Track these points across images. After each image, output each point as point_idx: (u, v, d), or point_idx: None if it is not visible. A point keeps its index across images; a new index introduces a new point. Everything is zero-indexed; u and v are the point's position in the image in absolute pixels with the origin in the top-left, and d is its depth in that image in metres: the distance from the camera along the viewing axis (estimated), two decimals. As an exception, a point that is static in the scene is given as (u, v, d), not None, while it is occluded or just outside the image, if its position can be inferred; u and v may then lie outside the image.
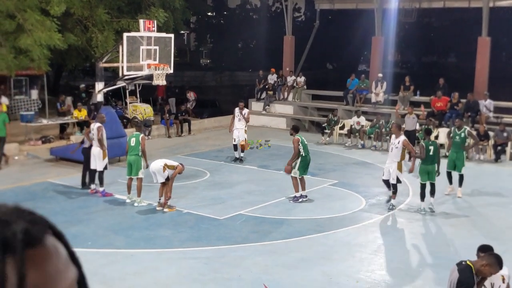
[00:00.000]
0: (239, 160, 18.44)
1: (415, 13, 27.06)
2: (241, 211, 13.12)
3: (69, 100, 24.71)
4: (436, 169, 13.35)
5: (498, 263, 5.85)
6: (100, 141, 14.28)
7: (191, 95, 28.57)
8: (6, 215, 0.87)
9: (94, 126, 14.53)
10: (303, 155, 13.89)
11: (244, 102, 19.46)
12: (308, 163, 14.08)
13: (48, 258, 0.87)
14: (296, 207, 13.64)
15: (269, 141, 18.48)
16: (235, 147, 18.54)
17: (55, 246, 0.90)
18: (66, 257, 0.92)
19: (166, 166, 12.88)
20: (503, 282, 6.22)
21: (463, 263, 5.98)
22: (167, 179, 12.95)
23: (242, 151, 18.55)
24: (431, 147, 13.26)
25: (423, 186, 13.31)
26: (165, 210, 13.03)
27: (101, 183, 14.34)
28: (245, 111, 18.70)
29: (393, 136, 13.85)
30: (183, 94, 29.71)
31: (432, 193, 13.37)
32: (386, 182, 13.85)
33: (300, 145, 13.84)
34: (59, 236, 0.93)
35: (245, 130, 18.54)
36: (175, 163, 13.08)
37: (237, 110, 18.58)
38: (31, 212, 0.91)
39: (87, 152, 14.77)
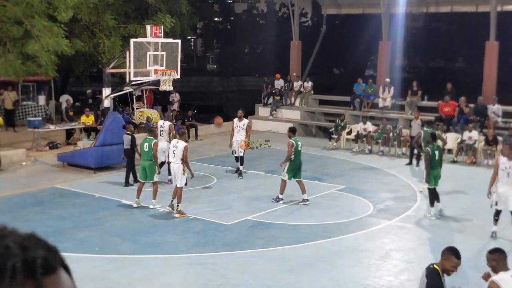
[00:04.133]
0: (239, 173, 17.16)
1: (422, 17, 27.03)
2: (247, 217, 13.09)
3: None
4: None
5: (452, 253, 5.97)
6: (174, 136, 15.05)
7: (176, 96, 27.10)
8: (25, 241, 0.92)
9: (165, 124, 16.38)
10: (292, 159, 13.97)
11: (243, 111, 18.01)
12: (297, 167, 14.12)
13: (60, 286, 0.93)
14: (303, 213, 13.58)
15: (269, 141, 18.47)
16: (236, 159, 17.39)
17: (65, 278, 0.95)
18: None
19: (183, 163, 13.04)
20: None
21: (430, 266, 6.07)
22: (186, 183, 13.26)
23: (242, 163, 17.26)
24: (437, 152, 13.24)
25: (431, 191, 13.24)
26: (176, 215, 13.03)
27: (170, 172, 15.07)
28: (244, 121, 17.35)
29: (505, 158, 11.61)
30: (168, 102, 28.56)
31: (437, 198, 13.33)
32: None
33: (293, 149, 13.94)
34: (67, 270, 0.98)
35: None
36: (181, 149, 13.14)
37: (235, 120, 17.36)
38: (46, 242, 0.96)
39: (129, 152, 15.73)
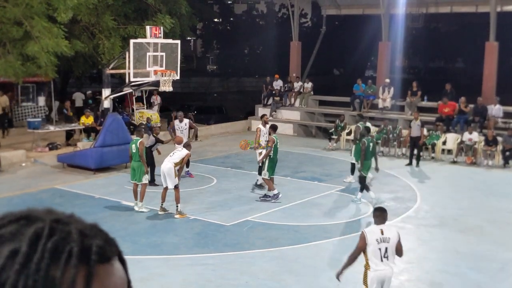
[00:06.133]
0: (260, 186, 15.68)
1: (422, 18, 27.03)
2: (248, 217, 13.08)
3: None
4: (376, 165, 14.41)
5: None
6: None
7: (157, 98, 26.39)
8: (86, 229, 0.97)
9: (188, 121, 17.47)
10: (271, 156, 14.42)
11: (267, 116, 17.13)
12: (275, 164, 14.64)
13: (112, 276, 0.96)
14: (303, 214, 13.58)
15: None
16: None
17: (118, 269, 0.99)
18: (125, 281, 1.01)
19: (175, 165, 12.96)
20: (382, 234, 7.45)
21: None
22: (176, 186, 12.98)
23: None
24: (371, 144, 14.22)
25: (364, 179, 14.16)
26: (176, 216, 13.00)
27: (188, 165, 16.35)
28: (267, 126, 15.78)
29: None
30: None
31: (367, 187, 14.29)
32: None
33: (273, 146, 14.45)
34: (123, 262, 1.02)
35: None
36: (182, 155, 13.24)
37: (261, 126, 15.98)
38: (107, 234, 1.01)
39: (149, 153, 15.48)
